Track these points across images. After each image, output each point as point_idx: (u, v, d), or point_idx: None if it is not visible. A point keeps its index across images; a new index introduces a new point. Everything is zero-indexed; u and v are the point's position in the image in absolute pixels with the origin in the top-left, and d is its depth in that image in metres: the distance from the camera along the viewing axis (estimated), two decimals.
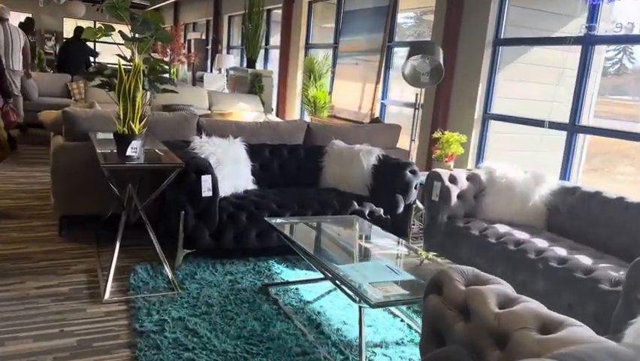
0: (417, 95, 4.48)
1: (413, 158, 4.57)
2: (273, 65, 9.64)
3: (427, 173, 3.68)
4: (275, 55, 9.90)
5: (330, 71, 7.14)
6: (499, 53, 4.53)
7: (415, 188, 3.87)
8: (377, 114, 5.95)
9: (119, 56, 2.93)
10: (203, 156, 3.47)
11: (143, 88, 2.82)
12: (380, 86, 5.88)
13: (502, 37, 4.50)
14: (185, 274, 3.16)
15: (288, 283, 3.14)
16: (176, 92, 3.26)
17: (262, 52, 9.49)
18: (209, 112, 7.56)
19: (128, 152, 2.75)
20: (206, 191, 3.16)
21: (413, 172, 3.84)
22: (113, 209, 3.61)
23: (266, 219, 3.03)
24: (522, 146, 4.97)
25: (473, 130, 4.64)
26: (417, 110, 4.49)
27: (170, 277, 3.04)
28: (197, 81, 11.99)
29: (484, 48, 4.50)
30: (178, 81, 13.42)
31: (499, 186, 3.56)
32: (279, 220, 3.12)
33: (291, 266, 3.47)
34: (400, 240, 3.10)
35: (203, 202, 3.19)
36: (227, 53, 11.89)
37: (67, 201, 3.67)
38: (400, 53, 6.03)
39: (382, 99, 5.99)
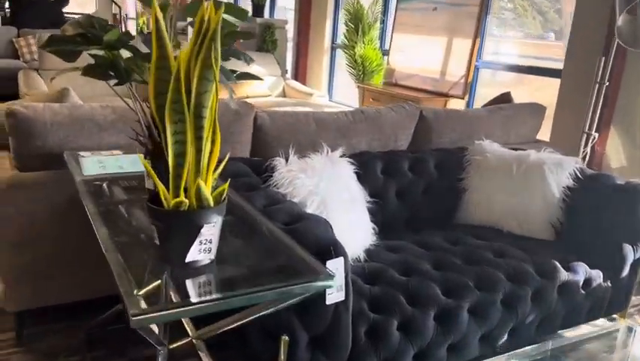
0: (600, 59, 2.86)
1: (581, 162, 3.00)
2: (284, 14, 7.79)
3: None
4: None
5: (380, 20, 5.41)
6: None
7: None
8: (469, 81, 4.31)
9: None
10: (298, 200, 1.83)
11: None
12: (478, 42, 4.21)
13: None
14: None
15: None
16: (261, 80, 1.59)
17: None
18: None
19: (194, 253, 1.09)
20: (335, 292, 1.52)
21: None
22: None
23: None
24: None
25: None
26: (600, 86, 2.88)
27: None
28: (178, 34, 10.02)
29: None
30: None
31: None
32: None
33: None
34: None
35: (326, 316, 1.56)
36: None
37: (29, 287, 2.00)
38: None
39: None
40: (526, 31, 4.81)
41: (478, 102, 4.49)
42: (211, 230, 1.09)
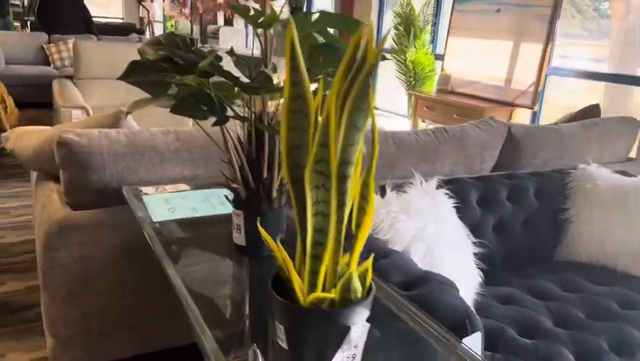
0: None
1: None
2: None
3: None
4: None
5: (431, 23, 5.09)
6: None
7: None
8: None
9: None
10: (400, 249, 1.54)
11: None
12: (550, 46, 3.86)
13: None
14: None
15: None
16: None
17: None
18: None
19: None
20: None
21: None
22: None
23: None
24: None
25: None
26: None
27: None
28: (208, 38, 9.83)
29: None
30: None
31: None
32: None
33: None
34: None
35: None
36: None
37: (81, 343, 1.74)
38: None
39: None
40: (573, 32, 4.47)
41: (548, 112, 4.15)
42: (359, 332, 0.80)
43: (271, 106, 1.18)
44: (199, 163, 1.82)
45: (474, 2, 4.45)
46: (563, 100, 4.50)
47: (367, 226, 0.80)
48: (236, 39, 8.98)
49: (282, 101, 1.13)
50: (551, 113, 4.18)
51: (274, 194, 1.19)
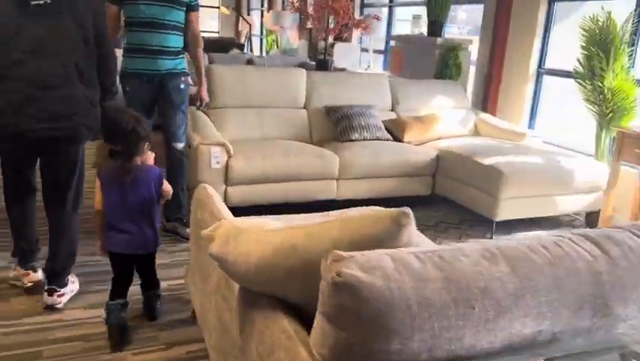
0: None
1: None
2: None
3: None
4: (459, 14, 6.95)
5: (628, 42, 4.12)
6: None
7: None
8: None
9: None
10: None
11: None
12: None
13: None
14: None
15: None
16: None
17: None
18: (394, 116, 4.80)
19: None
20: None
21: None
22: None
23: None
24: None
25: None
26: None
27: None
28: (319, 54, 9.24)
29: None
30: (279, 53, 10.73)
31: None
32: None
33: None
34: None
35: None
36: (361, 13, 8.97)
37: None
38: None
39: None
40: None
41: None
42: None
43: None
44: (546, 313, 1.06)
45: None
46: None
47: None
48: (351, 56, 8.34)
49: None
50: None
51: None
